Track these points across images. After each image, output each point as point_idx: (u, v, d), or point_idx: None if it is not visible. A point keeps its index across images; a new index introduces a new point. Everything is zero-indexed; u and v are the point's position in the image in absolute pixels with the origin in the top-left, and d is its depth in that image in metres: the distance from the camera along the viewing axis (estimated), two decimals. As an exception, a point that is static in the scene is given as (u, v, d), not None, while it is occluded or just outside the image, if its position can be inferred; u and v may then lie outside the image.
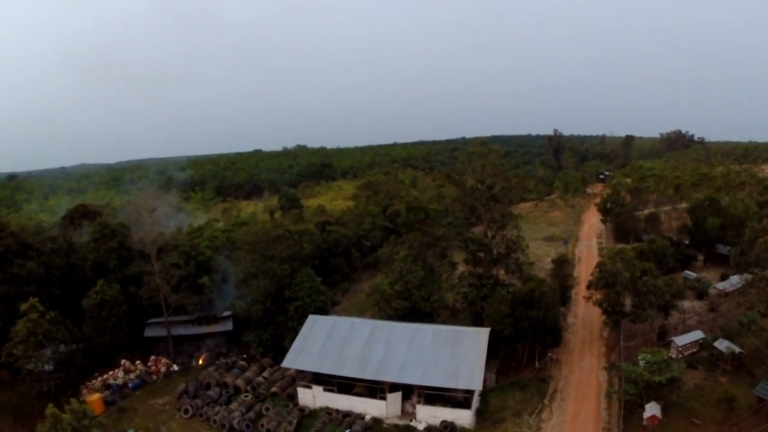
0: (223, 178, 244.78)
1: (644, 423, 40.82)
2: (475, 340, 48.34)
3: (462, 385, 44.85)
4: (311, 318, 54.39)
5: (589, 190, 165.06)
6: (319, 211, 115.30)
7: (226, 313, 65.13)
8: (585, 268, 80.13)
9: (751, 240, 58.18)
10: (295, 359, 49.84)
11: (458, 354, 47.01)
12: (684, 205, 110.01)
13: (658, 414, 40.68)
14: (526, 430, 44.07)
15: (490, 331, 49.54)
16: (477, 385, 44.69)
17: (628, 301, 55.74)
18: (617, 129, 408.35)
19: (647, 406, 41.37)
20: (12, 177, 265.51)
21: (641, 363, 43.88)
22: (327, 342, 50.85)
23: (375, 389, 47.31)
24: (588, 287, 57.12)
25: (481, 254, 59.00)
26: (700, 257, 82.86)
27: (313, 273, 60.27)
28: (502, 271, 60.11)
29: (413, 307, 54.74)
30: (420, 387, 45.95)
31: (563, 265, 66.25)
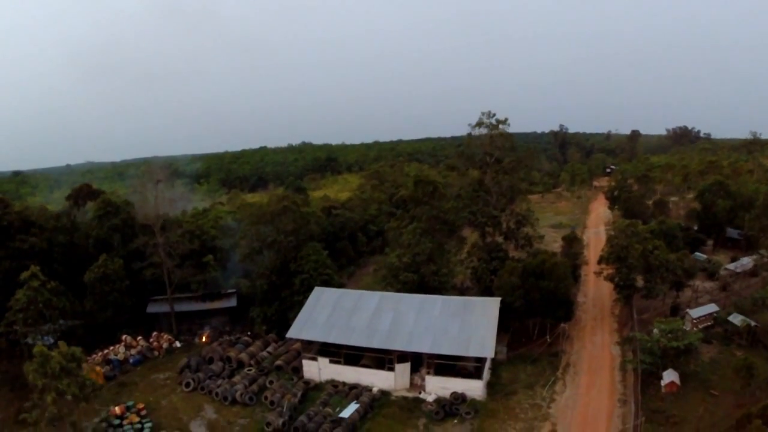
0: (228, 170, 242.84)
1: (662, 390, 39.62)
2: (486, 309, 47.10)
3: (473, 352, 43.58)
4: (317, 290, 53.25)
5: (595, 183, 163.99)
6: (324, 199, 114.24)
7: (230, 291, 64.15)
8: (593, 253, 78.83)
9: (765, 206, 57.11)
10: (300, 330, 48.67)
11: (469, 323, 45.73)
12: (691, 195, 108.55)
13: (677, 381, 39.48)
14: (539, 401, 42.89)
15: (501, 305, 48.16)
16: (488, 353, 43.35)
17: (639, 278, 54.54)
18: (622, 127, 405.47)
19: (665, 374, 40.24)
20: (17, 174, 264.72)
21: (656, 332, 42.73)
22: (333, 313, 49.67)
23: (383, 360, 46.11)
24: (599, 262, 55.94)
25: (490, 228, 57.69)
26: (710, 242, 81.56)
27: (319, 247, 59.10)
28: (511, 246, 58.86)
29: (421, 281, 53.57)
30: (430, 356, 44.65)
31: (573, 243, 64.98)
